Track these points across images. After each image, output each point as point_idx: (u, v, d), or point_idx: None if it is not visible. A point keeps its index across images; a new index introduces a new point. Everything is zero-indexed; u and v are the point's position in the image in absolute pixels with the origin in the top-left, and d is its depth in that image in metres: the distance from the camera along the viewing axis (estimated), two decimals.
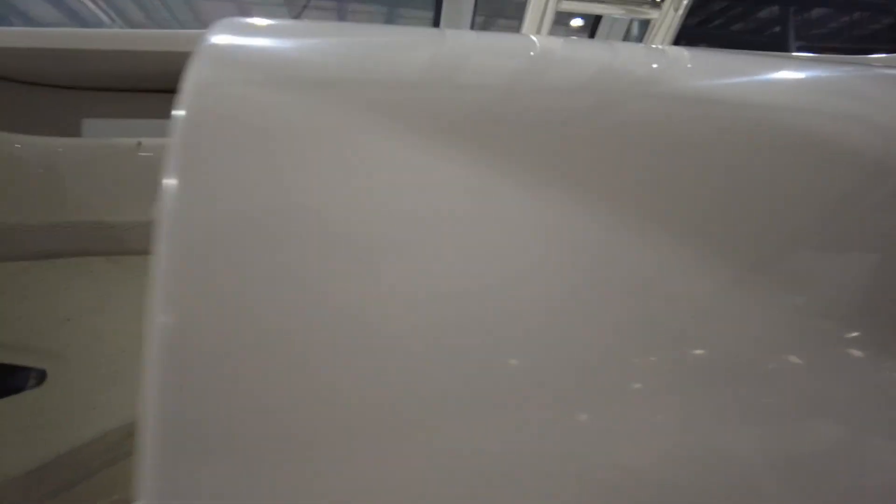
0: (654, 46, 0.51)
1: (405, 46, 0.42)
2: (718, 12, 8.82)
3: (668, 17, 2.13)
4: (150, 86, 0.67)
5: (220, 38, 0.37)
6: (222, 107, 0.33)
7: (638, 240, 0.34)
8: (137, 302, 1.07)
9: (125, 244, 0.75)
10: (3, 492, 0.97)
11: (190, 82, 0.34)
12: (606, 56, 0.43)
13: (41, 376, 1.08)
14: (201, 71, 0.34)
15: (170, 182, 0.31)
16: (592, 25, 3.73)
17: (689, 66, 0.43)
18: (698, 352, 0.31)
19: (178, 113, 0.33)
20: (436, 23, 3.17)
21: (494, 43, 0.45)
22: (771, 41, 8.11)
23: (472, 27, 3.24)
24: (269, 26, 0.40)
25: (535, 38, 0.47)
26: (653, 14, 2.19)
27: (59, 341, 1.05)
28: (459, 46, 0.43)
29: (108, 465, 1.10)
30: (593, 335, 0.32)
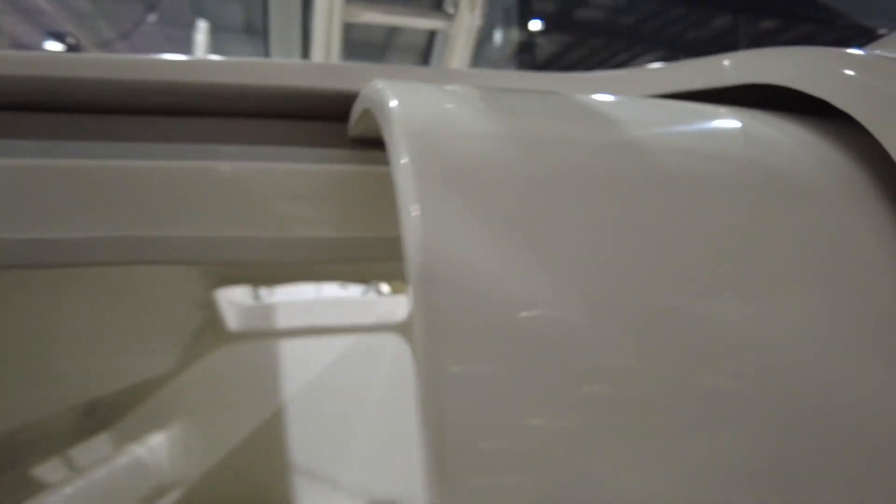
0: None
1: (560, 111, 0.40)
2: (677, 20, 9.19)
3: (464, 29, 2.16)
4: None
5: (402, 100, 0.35)
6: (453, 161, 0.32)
7: None
8: None
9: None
10: None
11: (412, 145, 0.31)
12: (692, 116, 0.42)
13: None
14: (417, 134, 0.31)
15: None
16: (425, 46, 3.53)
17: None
18: None
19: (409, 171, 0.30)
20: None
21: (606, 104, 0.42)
22: (723, 50, 8.48)
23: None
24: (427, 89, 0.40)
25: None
26: (445, 25, 2.22)
27: None
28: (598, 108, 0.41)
29: None
30: None
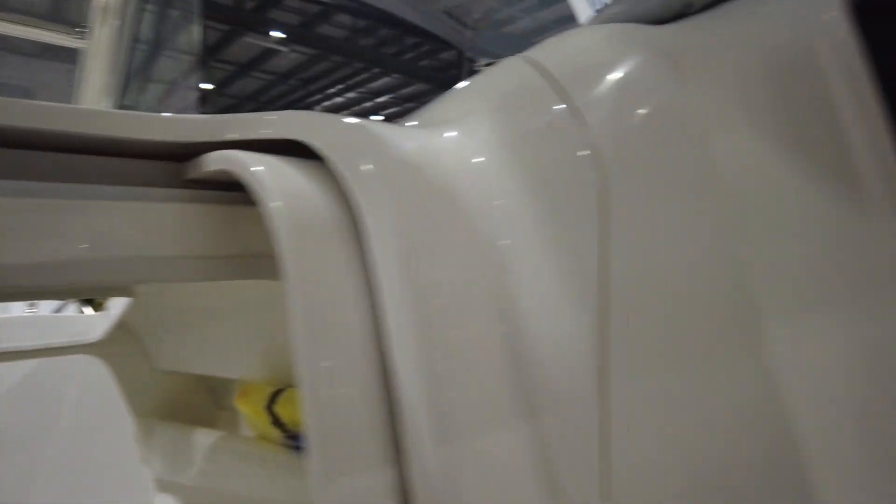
0: None
1: None
2: (410, 47, 9.97)
3: (102, 48, 2.18)
4: None
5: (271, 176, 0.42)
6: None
7: None
8: None
9: None
10: None
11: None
12: None
13: None
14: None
15: None
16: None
17: None
18: None
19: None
20: None
21: None
22: (450, 81, 9.64)
23: None
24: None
25: None
26: (82, 43, 2.18)
27: None
28: None
29: None
30: None
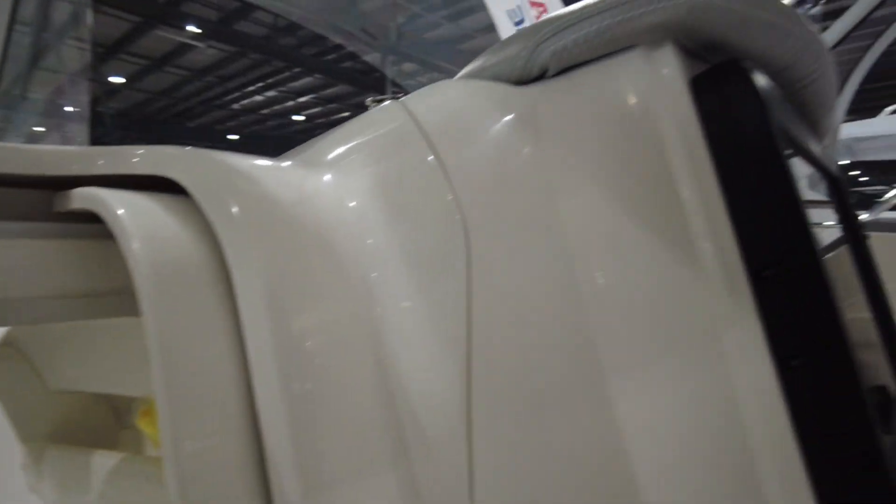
0: None
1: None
2: (332, 48, 9.88)
3: None
4: None
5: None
6: None
7: None
8: None
9: None
10: None
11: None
12: None
13: None
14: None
15: None
16: None
17: None
18: None
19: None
20: None
21: None
22: (373, 84, 9.71)
23: None
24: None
25: None
26: None
27: None
28: None
29: None
30: None
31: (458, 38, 9.39)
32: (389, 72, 9.60)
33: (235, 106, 14.39)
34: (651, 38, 0.42)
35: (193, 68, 11.73)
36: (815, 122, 0.62)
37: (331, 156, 0.50)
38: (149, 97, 13.36)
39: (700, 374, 0.39)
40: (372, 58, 9.76)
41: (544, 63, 0.45)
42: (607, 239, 0.42)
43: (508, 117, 0.46)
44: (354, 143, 0.51)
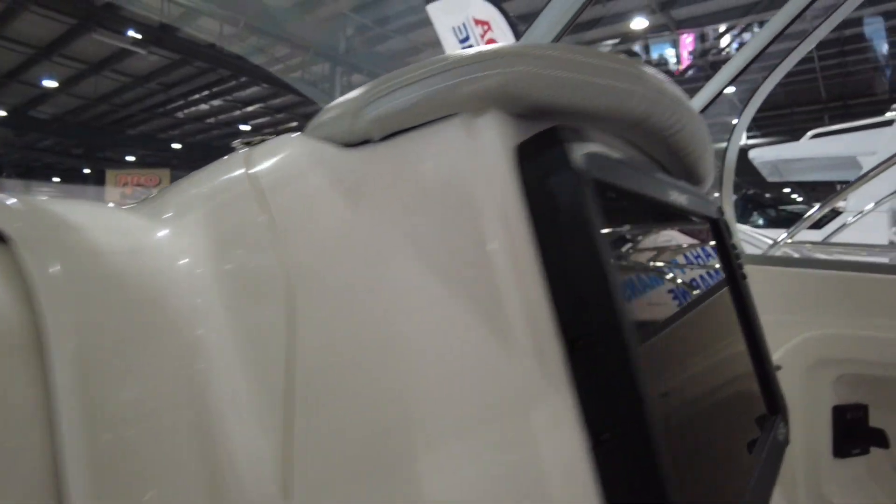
0: None
1: None
2: (281, 58, 9.76)
3: None
4: None
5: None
6: None
7: None
8: None
9: None
10: None
11: None
12: None
13: None
14: None
15: None
16: None
17: None
18: None
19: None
20: None
21: None
22: (323, 94, 9.64)
23: None
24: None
25: None
26: None
27: None
28: None
29: None
30: None
31: (407, 51, 9.43)
32: (338, 83, 9.56)
33: (180, 114, 14.04)
34: (473, 105, 0.41)
35: (134, 74, 11.39)
36: (690, 167, 0.63)
37: (174, 206, 0.48)
38: (84, 102, 12.89)
39: (511, 448, 0.38)
40: (321, 68, 9.70)
41: (367, 129, 0.45)
42: (423, 309, 0.41)
43: (336, 181, 0.45)
44: (196, 194, 0.49)
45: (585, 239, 0.38)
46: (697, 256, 0.62)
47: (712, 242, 0.64)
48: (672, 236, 0.57)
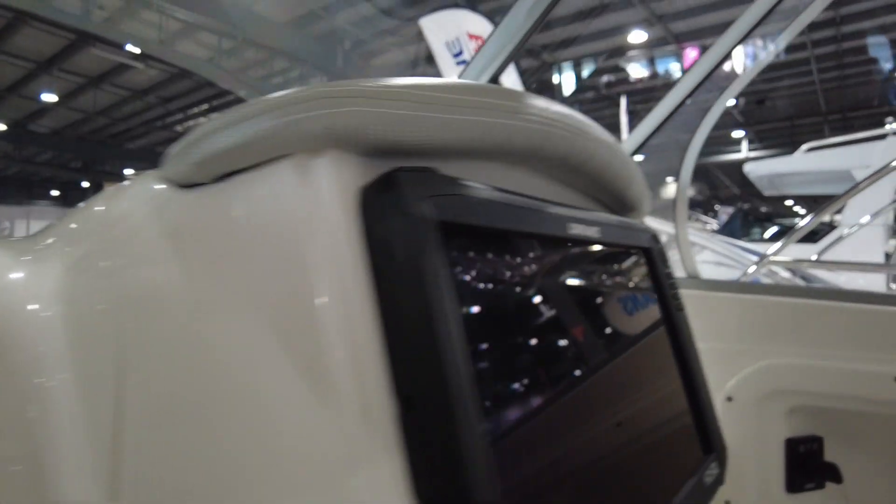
0: None
1: None
2: (279, 71, 9.78)
3: None
4: None
5: None
6: None
7: None
8: None
9: None
10: None
11: None
12: None
13: None
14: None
15: None
16: None
17: None
18: None
19: None
20: None
21: None
22: None
23: None
24: None
25: None
26: None
27: None
28: None
29: None
30: None
31: (406, 64, 9.45)
32: None
33: (178, 128, 14.07)
34: (307, 145, 0.37)
35: (133, 88, 11.43)
36: (618, 196, 0.61)
37: (42, 244, 0.47)
38: (84, 115, 12.93)
39: None
40: (318, 81, 9.70)
41: (191, 172, 0.42)
42: (245, 363, 0.38)
43: (166, 224, 0.43)
44: (60, 232, 0.48)
45: (420, 288, 0.34)
46: (614, 294, 0.57)
47: (641, 273, 0.60)
48: (579, 272, 0.52)
